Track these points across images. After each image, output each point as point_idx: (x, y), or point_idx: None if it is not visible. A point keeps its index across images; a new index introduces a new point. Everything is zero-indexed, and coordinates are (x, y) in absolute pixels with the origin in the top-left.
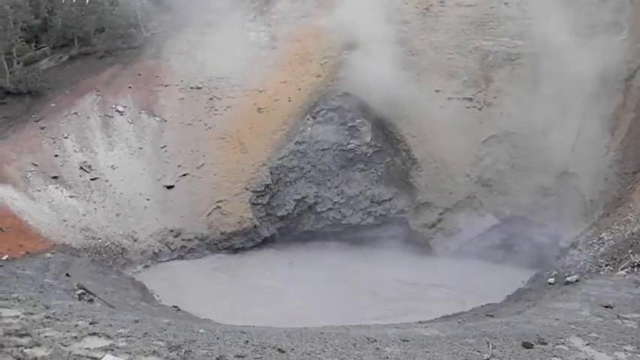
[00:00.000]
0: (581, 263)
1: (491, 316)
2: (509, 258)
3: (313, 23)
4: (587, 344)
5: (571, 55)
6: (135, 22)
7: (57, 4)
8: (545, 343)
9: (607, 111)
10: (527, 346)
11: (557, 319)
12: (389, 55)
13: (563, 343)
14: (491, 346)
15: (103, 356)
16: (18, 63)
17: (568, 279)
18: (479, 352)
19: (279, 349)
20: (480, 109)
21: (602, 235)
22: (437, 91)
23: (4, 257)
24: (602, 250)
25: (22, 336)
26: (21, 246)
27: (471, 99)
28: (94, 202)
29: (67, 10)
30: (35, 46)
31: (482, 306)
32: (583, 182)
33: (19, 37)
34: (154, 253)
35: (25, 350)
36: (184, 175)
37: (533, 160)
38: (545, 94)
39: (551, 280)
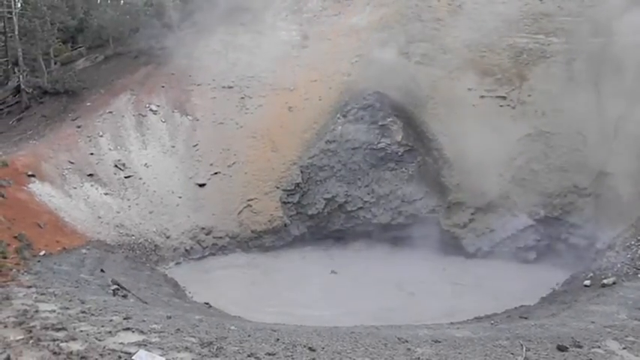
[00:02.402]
0: (618, 265)
1: (525, 318)
2: (544, 259)
3: (344, 22)
4: (624, 348)
5: (608, 53)
6: (168, 22)
7: (92, 5)
8: (580, 347)
9: None
10: (561, 349)
11: (593, 322)
12: (421, 53)
13: (599, 347)
14: (525, 349)
15: (137, 351)
16: (55, 63)
17: (604, 281)
18: (512, 354)
19: (310, 348)
20: (513, 108)
21: None
22: (469, 89)
23: (42, 253)
24: None
25: (58, 330)
26: (58, 242)
27: (504, 97)
28: (128, 200)
29: (103, 11)
30: (72, 47)
31: (515, 308)
32: (620, 182)
33: (56, 38)
34: (186, 250)
35: (60, 344)
36: (216, 173)
37: (568, 159)
38: (581, 93)
39: (586, 282)
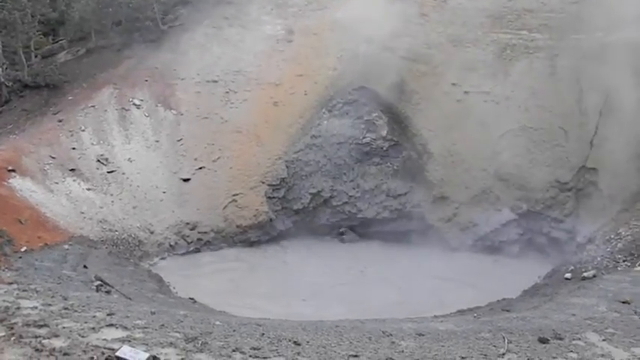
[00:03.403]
0: (599, 259)
1: (508, 310)
2: (526, 253)
3: (330, 16)
4: (604, 340)
5: (590, 48)
6: (152, 15)
7: None
8: (561, 339)
9: (626, 105)
10: (543, 341)
11: (574, 315)
12: (405, 48)
13: (580, 339)
14: (507, 341)
15: (120, 347)
16: (36, 56)
17: (585, 274)
18: (494, 346)
19: (295, 342)
20: (497, 103)
21: (620, 230)
22: (454, 84)
23: (23, 249)
24: (619, 245)
25: (40, 327)
26: (39, 238)
27: (488, 92)
28: (111, 195)
29: (84, 3)
30: (53, 40)
31: (498, 301)
32: (601, 177)
33: (37, 31)
34: (171, 245)
35: (43, 341)
36: (200, 168)
37: (550, 154)
38: (564, 89)
39: (567, 275)
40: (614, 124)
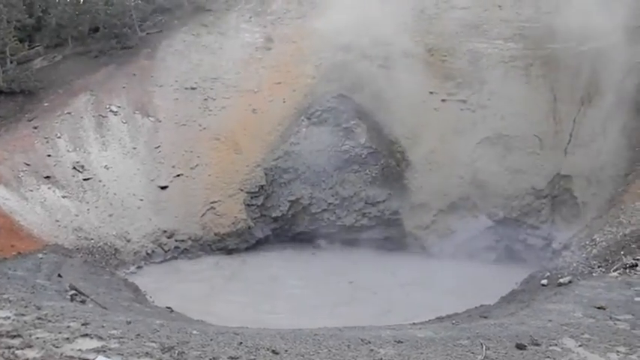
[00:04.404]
0: (574, 265)
1: (485, 317)
2: (503, 259)
3: (308, 25)
4: (580, 345)
5: (564, 58)
6: (130, 22)
7: (51, 3)
8: (538, 345)
9: (599, 114)
10: (520, 347)
11: (550, 321)
12: (383, 57)
13: (556, 345)
14: (484, 348)
15: (95, 358)
16: (11, 62)
17: (561, 280)
18: (472, 353)
19: (273, 351)
20: (473, 111)
21: (595, 236)
22: (431, 92)
23: None
24: (594, 251)
25: (13, 337)
26: (13, 246)
27: (465, 101)
28: (87, 203)
29: (62, 9)
30: (29, 46)
31: (476, 307)
32: (576, 184)
33: (13, 36)
34: (147, 254)
35: (16, 352)
36: (178, 175)
37: (526, 162)
38: (538, 97)
39: (544, 281)
40: (588, 132)
